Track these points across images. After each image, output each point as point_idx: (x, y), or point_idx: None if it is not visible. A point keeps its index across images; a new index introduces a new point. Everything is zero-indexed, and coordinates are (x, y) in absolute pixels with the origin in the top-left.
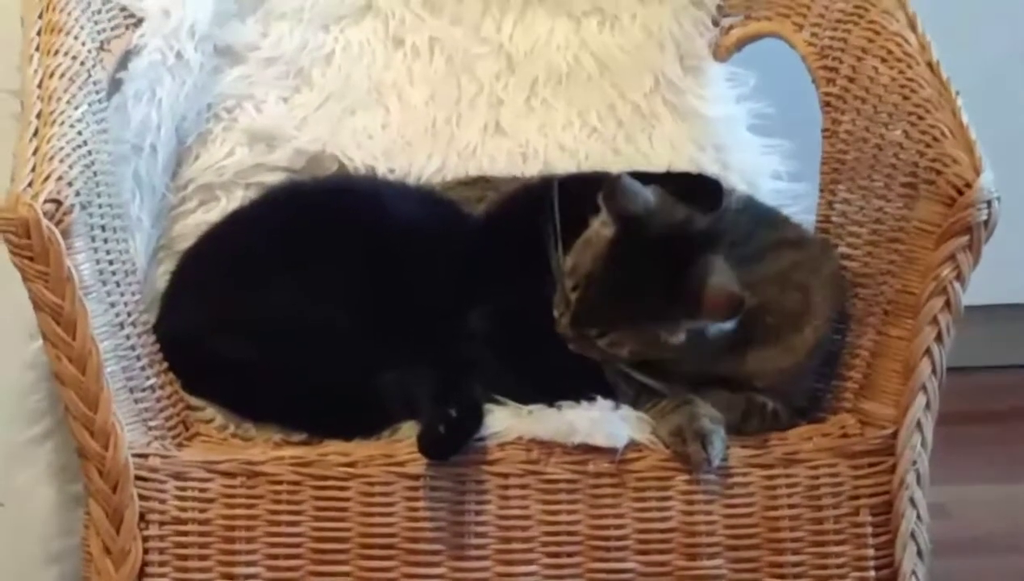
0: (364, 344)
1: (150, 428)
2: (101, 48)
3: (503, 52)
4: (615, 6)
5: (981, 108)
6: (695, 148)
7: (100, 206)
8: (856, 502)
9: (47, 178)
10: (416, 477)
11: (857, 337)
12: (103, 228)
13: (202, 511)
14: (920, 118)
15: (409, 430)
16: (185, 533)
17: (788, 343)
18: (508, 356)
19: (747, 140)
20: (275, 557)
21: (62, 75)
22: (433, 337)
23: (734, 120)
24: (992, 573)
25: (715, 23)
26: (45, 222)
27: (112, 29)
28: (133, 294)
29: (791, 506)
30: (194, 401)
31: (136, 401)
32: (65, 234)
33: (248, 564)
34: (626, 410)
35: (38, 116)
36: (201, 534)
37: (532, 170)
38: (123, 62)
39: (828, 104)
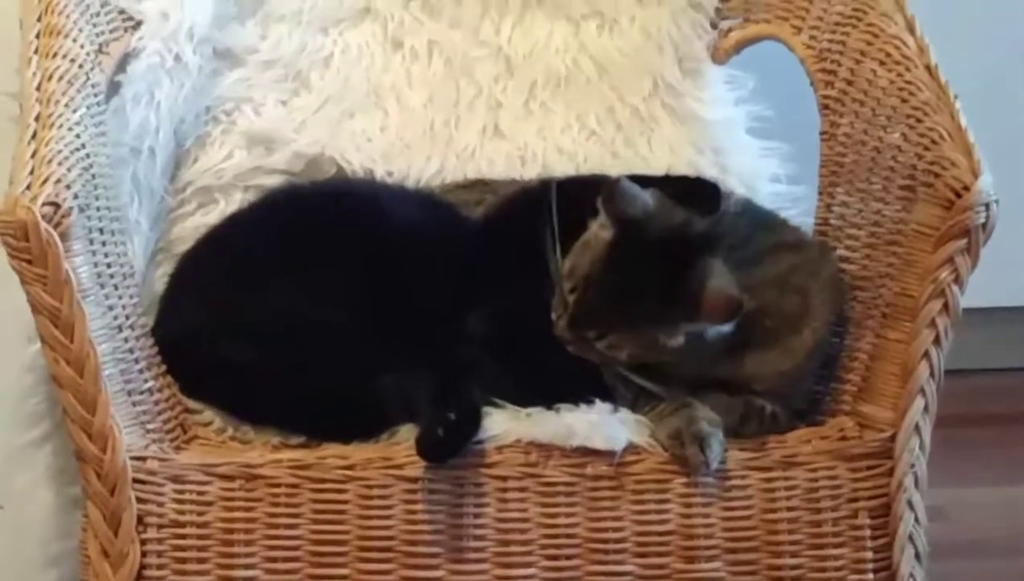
0: (362, 347)
1: (148, 431)
2: (100, 51)
3: (502, 55)
4: (614, 9)
5: (979, 111)
6: (694, 151)
7: (98, 209)
8: (854, 505)
9: (45, 181)
10: (414, 480)
11: (855, 340)
12: (101, 231)
13: (200, 514)
14: (918, 121)
15: (407, 433)
16: (183, 536)
17: (787, 346)
18: (506, 359)
19: (746, 143)
20: (273, 560)
21: (60, 78)
22: (431, 340)
23: (733, 123)
24: (990, 576)
25: (714, 26)
26: (43, 225)
27: (111, 32)
28: (131, 297)
29: (789, 509)
30: (192, 404)
31: (134, 404)
32: (63, 237)
33: (246, 567)
34: (624, 413)
35: (36, 119)
36: (199, 537)
37: (531, 173)
38: (122, 65)
39: (826, 107)
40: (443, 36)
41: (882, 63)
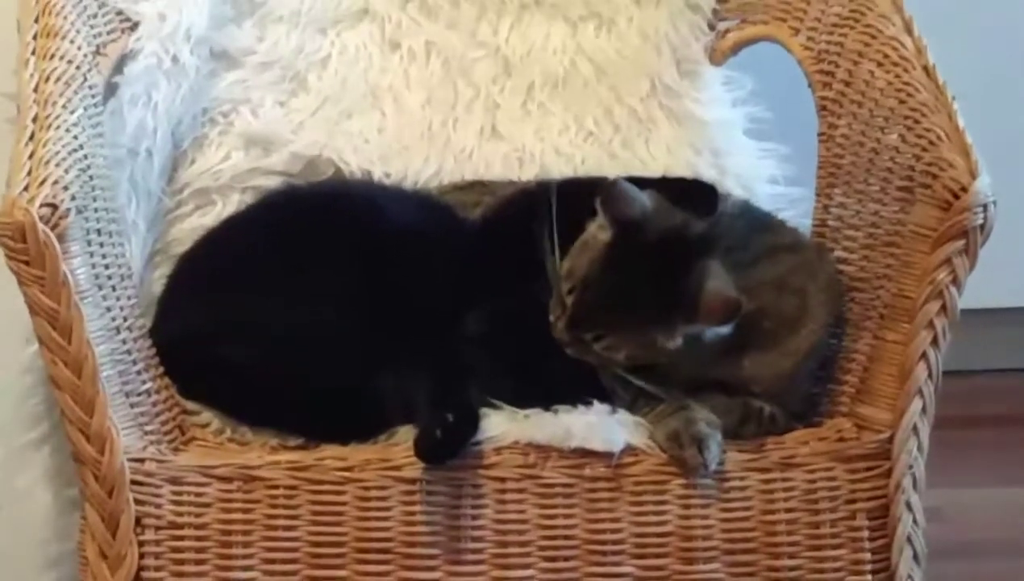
0: (360, 348)
1: (146, 432)
2: (97, 52)
3: (500, 56)
4: (611, 10)
5: (977, 112)
6: (692, 152)
7: (96, 210)
8: (852, 506)
9: (43, 182)
10: (413, 481)
11: (853, 341)
12: (99, 232)
13: (198, 516)
14: (916, 122)
15: (406, 434)
16: (181, 538)
17: (785, 347)
18: (505, 360)
19: (743, 144)
20: (271, 561)
21: (58, 79)
22: (430, 341)
23: (730, 124)
24: (988, 577)
25: (711, 27)
26: (41, 226)
27: (108, 33)
28: (129, 298)
29: (788, 510)
30: (190, 405)
31: (132, 405)
32: (61, 238)
33: (244, 569)
34: (623, 414)
35: (34, 120)
36: (197, 539)
37: (528, 174)
38: (119, 66)
39: (824, 108)
40: (441, 37)
41: (880, 64)
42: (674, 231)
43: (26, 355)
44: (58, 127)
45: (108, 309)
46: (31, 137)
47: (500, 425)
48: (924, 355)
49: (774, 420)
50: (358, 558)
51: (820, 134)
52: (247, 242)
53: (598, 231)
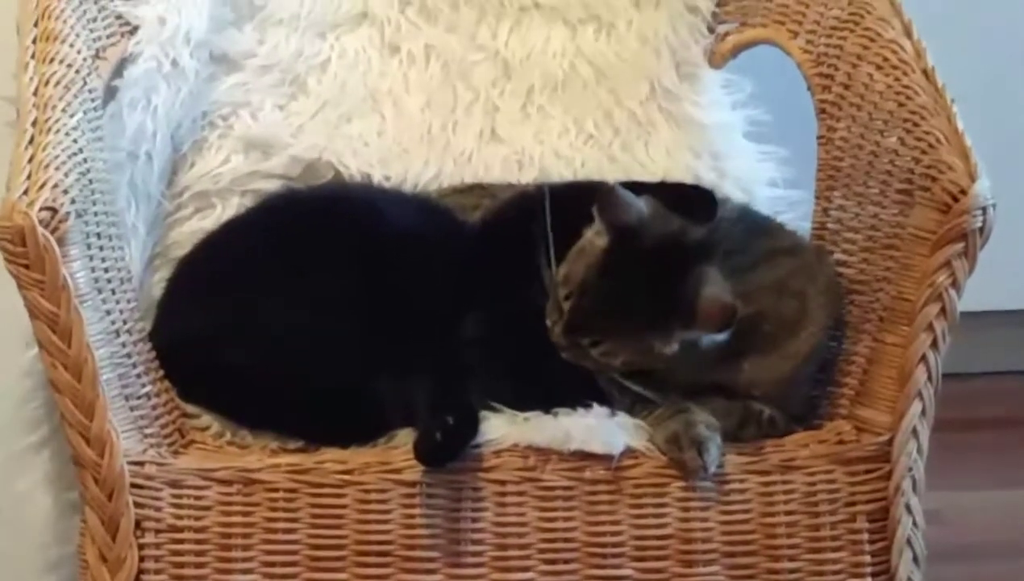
0: (360, 351)
1: (146, 436)
2: (97, 56)
3: (499, 59)
4: (611, 13)
5: (977, 115)
6: (691, 155)
7: (96, 214)
8: (852, 508)
9: (43, 186)
10: (412, 484)
11: (853, 344)
12: (99, 236)
13: (198, 519)
14: (915, 125)
15: (405, 437)
16: (181, 541)
17: (785, 350)
18: (504, 362)
19: (743, 147)
20: (271, 565)
21: (58, 83)
22: (429, 344)
23: (730, 127)
24: (988, 579)
25: (711, 30)
26: (41, 230)
27: (108, 37)
28: (129, 302)
29: (788, 512)
30: (190, 408)
31: (132, 409)
32: (61, 242)
33: (244, 572)
34: (622, 417)
35: (34, 124)
36: (197, 542)
37: (528, 177)
38: (119, 70)
39: (823, 111)
40: (440, 40)
41: (879, 67)
42: (671, 237)
43: (26, 359)
44: (58, 131)
45: (108, 312)
46: (31, 141)
47: (500, 428)
48: (924, 358)
49: (773, 423)
50: (358, 561)
51: (819, 137)
52: (247, 245)
53: (595, 237)
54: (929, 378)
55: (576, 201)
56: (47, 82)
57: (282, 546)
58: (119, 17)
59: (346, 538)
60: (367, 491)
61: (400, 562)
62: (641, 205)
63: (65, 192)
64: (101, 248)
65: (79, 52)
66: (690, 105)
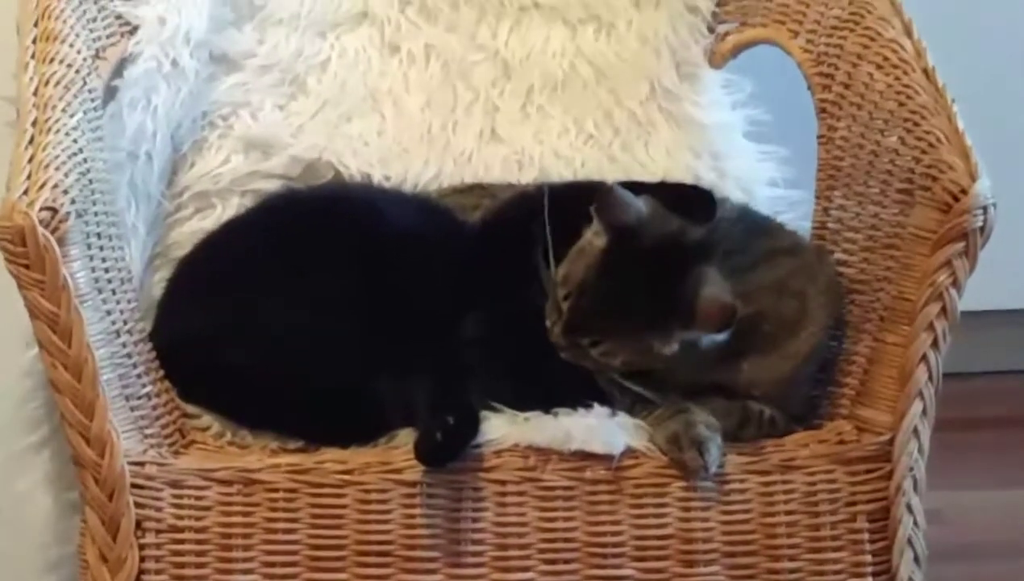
0: (360, 351)
1: (146, 436)
2: (97, 56)
3: (499, 59)
4: (611, 13)
5: (977, 114)
6: (691, 155)
7: (96, 214)
8: (853, 508)
9: (43, 186)
10: (413, 484)
11: (853, 343)
12: (99, 236)
13: (199, 519)
14: (916, 124)
15: (406, 437)
16: (182, 541)
17: (785, 350)
18: (504, 362)
19: (743, 147)
20: (272, 565)
21: (58, 83)
22: (429, 344)
23: (730, 127)
24: (989, 579)
25: (711, 30)
26: (41, 230)
27: (108, 37)
28: (129, 302)
29: (788, 512)
30: (190, 409)
31: (132, 409)
32: (61, 242)
33: (245, 572)
34: (623, 417)
35: (34, 124)
36: (198, 542)
37: (528, 177)
38: (118, 70)
39: (824, 110)
40: (440, 40)
41: (879, 67)
42: (670, 237)
43: (26, 359)
44: (58, 131)
45: (108, 313)
46: (31, 141)
47: (500, 428)
48: (924, 357)
49: (774, 423)
50: (358, 561)
51: (820, 137)
52: (247, 245)
53: (594, 237)
54: (930, 378)
55: (576, 201)
56: (47, 82)
57: (282, 546)
58: (119, 17)
59: (346, 538)
60: (367, 491)
61: (400, 562)
62: (640, 205)
63: (65, 192)
64: (101, 248)
65: (79, 52)
66: (690, 105)
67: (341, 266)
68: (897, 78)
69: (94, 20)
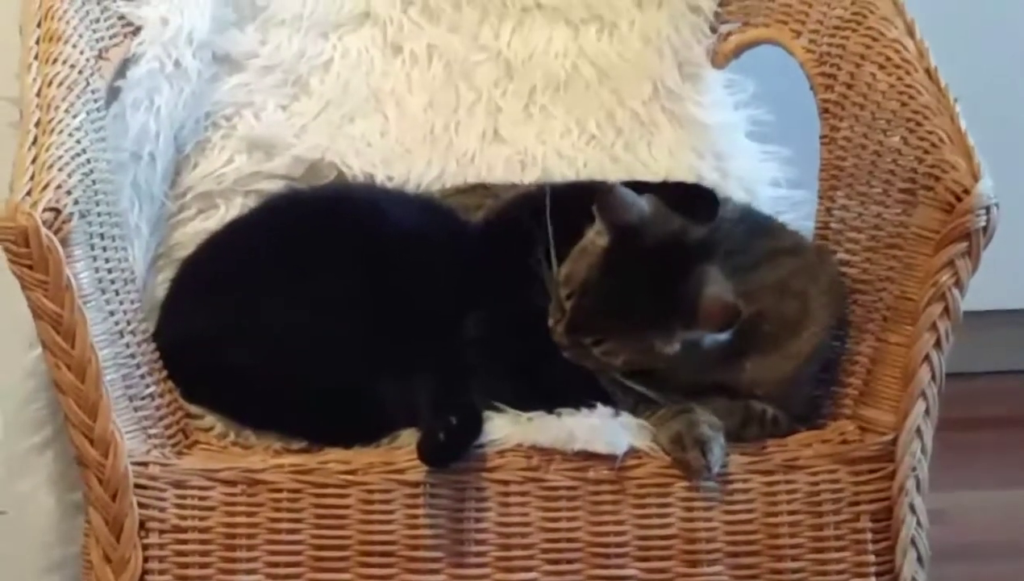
0: (363, 351)
1: (150, 436)
2: (99, 57)
3: (501, 59)
4: (613, 13)
5: (979, 114)
6: (694, 155)
7: (99, 214)
8: (856, 508)
9: (46, 187)
10: (416, 484)
11: (856, 343)
12: (102, 236)
13: (202, 519)
14: (918, 124)
15: (409, 437)
16: (185, 541)
17: (787, 350)
18: (507, 362)
19: (746, 147)
20: (275, 565)
21: (60, 84)
22: (432, 344)
23: (733, 127)
24: (990, 579)
25: (713, 30)
26: (44, 231)
27: (110, 38)
28: (132, 302)
29: (791, 512)
30: (194, 409)
31: (136, 409)
32: (64, 243)
33: (248, 572)
34: (626, 417)
35: (37, 125)
36: (201, 542)
37: (530, 177)
38: (121, 71)
39: (826, 110)
40: (442, 40)
41: (882, 67)
42: (672, 236)
43: (29, 359)
44: (61, 131)
45: (111, 313)
46: (34, 141)
47: (503, 428)
48: (927, 357)
49: (776, 422)
50: (361, 561)
51: (822, 137)
52: (250, 246)
53: (596, 237)
54: (933, 378)
55: (578, 201)
56: (50, 83)
57: (286, 546)
58: (122, 18)
59: (350, 538)
60: (371, 491)
61: (404, 562)
62: (642, 204)
63: (68, 193)
64: (104, 249)
65: (82, 53)
66: (693, 105)
67: (344, 266)
68: (900, 78)
69: (97, 21)
